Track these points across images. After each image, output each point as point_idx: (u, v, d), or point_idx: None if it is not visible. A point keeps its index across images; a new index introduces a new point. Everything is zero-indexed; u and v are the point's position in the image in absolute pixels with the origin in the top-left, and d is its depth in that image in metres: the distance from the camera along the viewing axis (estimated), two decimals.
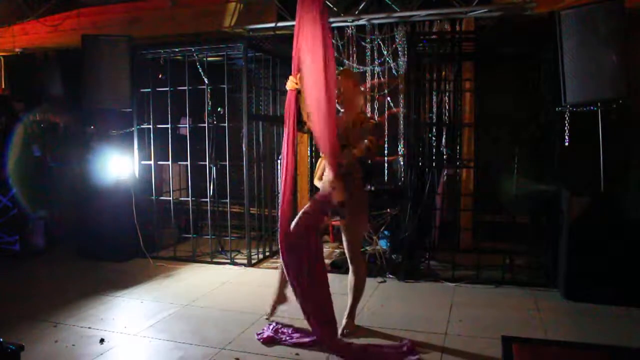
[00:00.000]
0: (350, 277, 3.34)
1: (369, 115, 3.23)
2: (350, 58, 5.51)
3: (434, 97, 5.36)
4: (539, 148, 4.62)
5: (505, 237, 4.51)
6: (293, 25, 5.41)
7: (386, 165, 5.64)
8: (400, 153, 5.50)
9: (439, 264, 4.81)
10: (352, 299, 3.36)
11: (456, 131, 5.31)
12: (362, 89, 3.30)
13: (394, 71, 5.49)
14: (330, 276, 4.58)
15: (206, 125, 5.26)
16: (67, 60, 6.76)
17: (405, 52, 5.14)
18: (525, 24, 4.99)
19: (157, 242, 5.37)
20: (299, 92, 3.12)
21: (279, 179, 5.79)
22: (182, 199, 5.72)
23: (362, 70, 5.53)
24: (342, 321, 3.31)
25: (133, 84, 5.16)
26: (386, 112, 5.60)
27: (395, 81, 5.53)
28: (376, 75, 5.52)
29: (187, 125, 5.30)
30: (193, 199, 5.31)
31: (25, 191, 5.28)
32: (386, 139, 5.60)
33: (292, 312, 3.39)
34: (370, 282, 4.37)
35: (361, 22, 5.36)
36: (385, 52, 5.43)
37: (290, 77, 3.14)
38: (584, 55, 3.89)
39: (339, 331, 3.25)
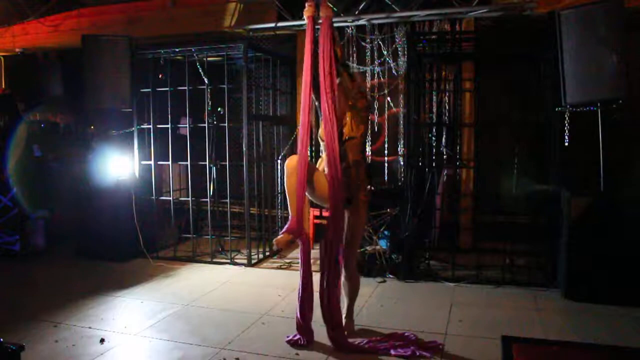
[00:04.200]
0: (343, 282, 3.27)
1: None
2: (350, 58, 5.51)
3: (434, 97, 5.36)
4: (539, 148, 4.62)
5: (505, 237, 4.51)
6: (293, 25, 5.53)
7: (386, 165, 5.65)
8: (400, 153, 5.50)
9: (439, 264, 4.81)
10: (348, 300, 3.34)
11: (456, 131, 5.32)
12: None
13: (394, 71, 5.49)
14: None
15: (206, 125, 5.25)
16: (67, 60, 6.77)
17: (405, 52, 5.15)
18: (525, 24, 4.99)
19: (157, 242, 5.37)
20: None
21: (279, 179, 5.81)
22: (182, 199, 5.72)
23: (362, 70, 5.53)
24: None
25: (133, 84, 5.17)
26: (386, 112, 5.60)
27: (395, 81, 5.53)
28: (376, 75, 5.52)
29: (187, 125, 5.30)
30: (193, 199, 5.31)
31: (26, 191, 5.28)
32: (386, 139, 5.62)
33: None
34: (370, 282, 4.38)
35: (361, 22, 5.37)
36: (385, 52, 5.44)
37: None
38: (584, 55, 3.89)
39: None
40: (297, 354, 3.04)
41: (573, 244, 3.90)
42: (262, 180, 5.39)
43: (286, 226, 3.10)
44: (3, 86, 7.02)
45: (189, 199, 5.31)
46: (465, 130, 5.31)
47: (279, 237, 3.08)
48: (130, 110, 5.27)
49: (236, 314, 3.70)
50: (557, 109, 4.25)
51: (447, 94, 5.29)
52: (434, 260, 4.84)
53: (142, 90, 5.32)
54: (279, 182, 5.82)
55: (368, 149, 5.50)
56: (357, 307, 3.45)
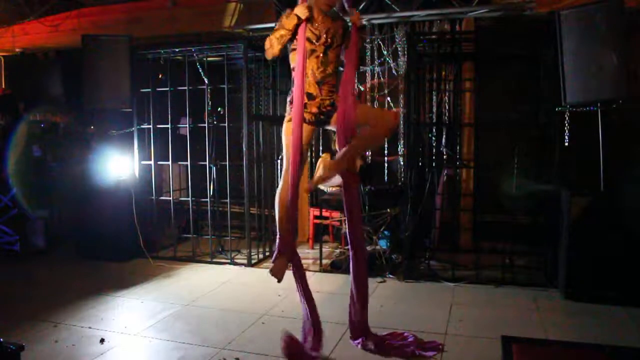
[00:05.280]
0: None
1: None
2: None
3: (434, 97, 5.36)
4: (539, 148, 4.62)
5: (505, 237, 4.51)
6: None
7: (386, 165, 5.64)
8: (400, 153, 5.50)
9: (439, 264, 4.81)
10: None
11: (456, 131, 5.32)
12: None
13: (394, 71, 5.48)
14: (330, 276, 4.66)
15: (206, 125, 5.26)
16: (67, 60, 6.76)
17: (405, 52, 5.15)
18: (525, 24, 4.99)
19: (157, 242, 5.37)
20: None
21: (279, 179, 5.80)
22: (182, 199, 5.72)
23: (362, 70, 5.52)
24: None
25: (133, 84, 5.16)
26: None
27: (395, 81, 5.53)
28: (376, 75, 5.52)
29: (187, 125, 5.30)
30: (193, 199, 5.31)
31: (26, 191, 5.28)
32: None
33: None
34: (370, 282, 4.34)
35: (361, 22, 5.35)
36: (385, 52, 5.43)
37: None
38: (584, 55, 3.89)
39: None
40: None
41: (573, 244, 3.89)
42: (262, 180, 5.38)
43: (276, 250, 2.98)
44: (3, 86, 7.01)
45: (189, 199, 5.31)
46: (465, 130, 5.31)
47: (274, 265, 2.94)
48: (130, 110, 5.26)
49: (236, 314, 3.70)
50: (557, 109, 4.25)
51: (447, 94, 5.29)
52: (434, 260, 4.84)
53: (142, 90, 5.32)
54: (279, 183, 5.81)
55: None
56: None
